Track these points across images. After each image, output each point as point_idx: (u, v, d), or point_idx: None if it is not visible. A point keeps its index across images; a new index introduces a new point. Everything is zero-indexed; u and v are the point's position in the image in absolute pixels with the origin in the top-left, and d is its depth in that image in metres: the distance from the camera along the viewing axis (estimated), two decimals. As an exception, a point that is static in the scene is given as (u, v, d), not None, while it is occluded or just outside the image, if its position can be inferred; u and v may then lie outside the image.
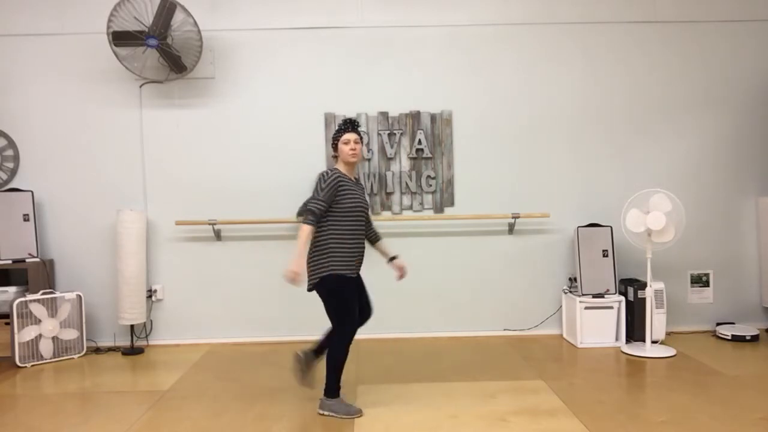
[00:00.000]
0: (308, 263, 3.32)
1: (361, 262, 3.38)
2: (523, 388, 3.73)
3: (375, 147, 4.97)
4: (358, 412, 3.34)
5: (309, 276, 3.32)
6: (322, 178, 3.26)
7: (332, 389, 3.34)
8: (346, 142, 3.33)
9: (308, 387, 3.58)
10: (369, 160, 4.96)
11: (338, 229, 3.27)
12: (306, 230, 3.19)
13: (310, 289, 3.33)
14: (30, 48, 4.92)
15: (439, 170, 4.99)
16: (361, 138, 3.41)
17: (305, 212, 3.23)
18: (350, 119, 3.37)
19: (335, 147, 3.38)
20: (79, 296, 4.73)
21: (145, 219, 4.84)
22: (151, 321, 5.00)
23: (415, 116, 4.97)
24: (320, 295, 3.31)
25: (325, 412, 3.35)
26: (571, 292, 4.84)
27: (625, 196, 4.91)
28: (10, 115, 4.93)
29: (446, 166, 4.99)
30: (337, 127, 3.40)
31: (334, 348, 3.30)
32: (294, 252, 3.20)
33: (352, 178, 3.41)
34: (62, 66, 4.93)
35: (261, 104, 4.97)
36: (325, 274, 3.24)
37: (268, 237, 4.98)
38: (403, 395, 3.63)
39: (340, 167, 3.37)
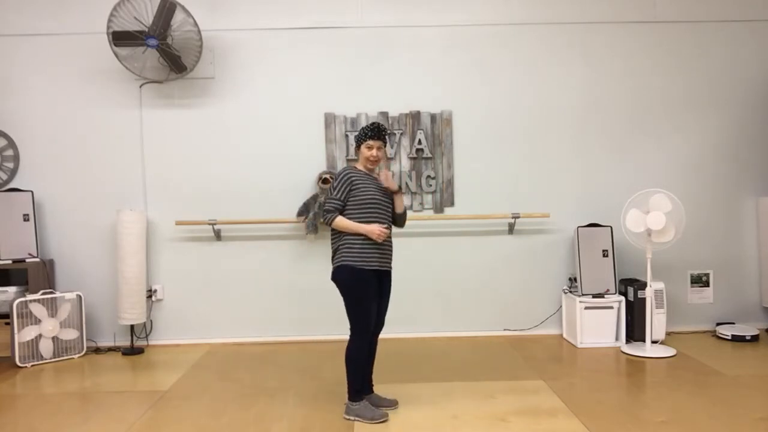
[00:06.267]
0: (332, 255, 3.32)
1: (384, 257, 3.29)
2: (523, 388, 3.73)
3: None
4: (384, 417, 3.24)
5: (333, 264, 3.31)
6: (336, 177, 3.29)
7: (352, 392, 3.27)
8: (369, 147, 3.30)
9: (393, 406, 3.43)
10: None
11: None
12: (338, 219, 3.21)
13: (333, 278, 3.29)
14: (30, 48, 4.92)
15: (439, 170, 4.99)
16: (386, 143, 3.36)
17: (324, 213, 3.24)
18: (378, 124, 3.31)
19: (358, 146, 3.35)
20: (79, 296, 4.73)
21: (145, 219, 4.84)
22: (151, 321, 5.00)
23: (415, 116, 4.97)
24: (338, 288, 3.28)
25: (351, 417, 3.26)
26: (571, 292, 4.84)
27: (625, 196, 4.91)
28: (10, 115, 4.93)
29: (446, 166, 4.99)
30: (362, 129, 3.31)
31: (348, 350, 3.25)
32: (353, 229, 3.20)
33: (369, 174, 3.36)
34: (62, 66, 4.93)
35: (261, 104, 4.97)
36: (338, 264, 3.23)
37: (268, 237, 4.98)
38: (403, 395, 3.62)
39: (359, 165, 3.37)
